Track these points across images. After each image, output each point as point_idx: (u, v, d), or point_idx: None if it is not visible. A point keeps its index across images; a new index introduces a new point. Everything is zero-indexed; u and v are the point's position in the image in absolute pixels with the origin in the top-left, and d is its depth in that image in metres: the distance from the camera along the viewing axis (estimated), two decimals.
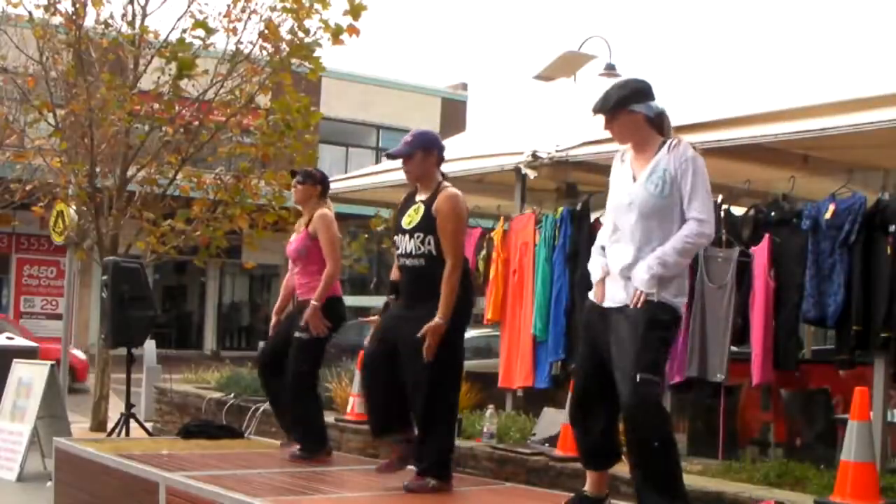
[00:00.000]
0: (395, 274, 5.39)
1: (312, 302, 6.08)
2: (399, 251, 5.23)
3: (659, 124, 4.43)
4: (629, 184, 4.42)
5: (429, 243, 5.10)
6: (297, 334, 6.18)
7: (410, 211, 5.24)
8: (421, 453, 5.18)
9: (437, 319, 4.97)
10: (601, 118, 4.55)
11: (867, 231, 6.23)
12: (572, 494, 4.80)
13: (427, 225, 5.12)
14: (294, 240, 6.41)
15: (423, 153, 5.23)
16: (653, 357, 4.24)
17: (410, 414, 5.25)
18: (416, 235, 5.13)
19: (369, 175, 10.77)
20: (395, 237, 5.29)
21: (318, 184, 6.45)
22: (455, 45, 63.89)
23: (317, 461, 6.15)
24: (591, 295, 4.55)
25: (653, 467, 4.28)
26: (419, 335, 4.94)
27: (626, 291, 4.34)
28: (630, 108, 4.40)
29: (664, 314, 4.30)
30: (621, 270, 4.38)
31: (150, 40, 11.48)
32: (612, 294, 4.43)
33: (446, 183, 5.23)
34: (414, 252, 5.14)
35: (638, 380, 4.17)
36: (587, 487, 4.64)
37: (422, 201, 5.22)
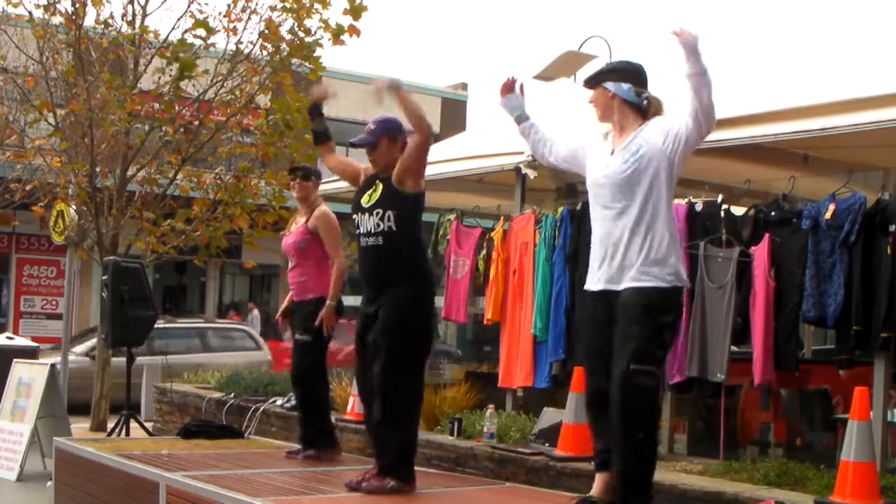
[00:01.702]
0: None
1: (329, 302, 6.09)
2: (359, 231, 5.12)
3: (642, 110, 4.44)
4: (607, 156, 4.47)
5: (388, 219, 4.99)
6: (297, 336, 6.19)
7: (370, 190, 5.14)
8: (380, 449, 5.04)
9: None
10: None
11: (867, 231, 6.23)
12: (576, 496, 4.77)
13: (386, 201, 5.02)
14: (291, 234, 6.43)
15: (388, 141, 5.11)
16: (644, 345, 4.22)
17: None
18: (375, 212, 5.03)
19: None
20: (354, 216, 5.17)
21: (318, 179, 6.57)
22: (455, 45, 63.91)
23: (326, 460, 6.17)
24: (588, 283, 4.54)
25: (630, 458, 4.28)
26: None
27: (620, 272, 4.35)
28: (602, 85, 4.49)
29: (660, 299, 4.28)
30: (615, 247, 4.38)
31: (150, 40, 11.49)
32: (608, 276, 4.42)
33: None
34: (373, 230, 5.03)
35: (630, 369, 4.16)
36: (594, 491, 4.60)
37: (380, 180, 5.12)
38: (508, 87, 4.90)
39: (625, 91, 4.44)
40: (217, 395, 10.07)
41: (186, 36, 10.90)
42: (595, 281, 4.49)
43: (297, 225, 6.43)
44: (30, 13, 11.33)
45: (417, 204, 5.12)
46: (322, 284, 6.28)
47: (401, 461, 5.03)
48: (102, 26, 11.33)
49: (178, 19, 11.27)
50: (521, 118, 4.89)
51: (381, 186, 5.09)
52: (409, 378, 5.02)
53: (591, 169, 4.55)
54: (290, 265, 6.42)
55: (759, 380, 6.70)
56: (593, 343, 4.51)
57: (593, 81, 4.55)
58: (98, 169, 11.18)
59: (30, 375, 8.76)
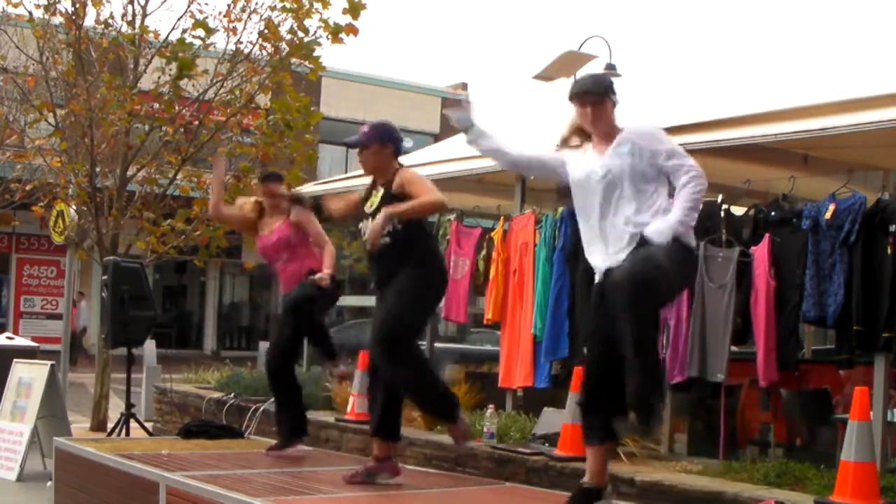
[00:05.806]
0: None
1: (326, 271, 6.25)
2: (365, 236, 5.30)
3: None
4: (598, 160, 4.58)
5: (393, 220, 5.12)
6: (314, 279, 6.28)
7: (371, 197, 5.35)
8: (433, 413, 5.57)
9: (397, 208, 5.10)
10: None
11: (867, 231, 6.23)
12: (570, 494, 4.77)
13: (387, 203, 5.16)
14: (273, 233, 6.45)
15: (378, 145, 5.31)
16: (653, 254, 4.35)
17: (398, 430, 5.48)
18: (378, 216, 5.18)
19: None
20: (361, 224, 5.36)
21: (282, 182, 6.71)
22: (455, 45, 63.91)
23: (291, 449, 6.34)
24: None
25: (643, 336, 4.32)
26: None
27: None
28: (612, 97, 4.66)
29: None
30: (616, 246, 4.48)
31: (150, 40, 11.48)
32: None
33: (404, 167, 5.37)
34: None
35: (638, 267, 4.30)
36: (587, 478, 4.62)
37: (382, 185, 5.33)
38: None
39: (617, 98, 4.69)
40: (217, 395, 10.08)
41: (185, 36, 10.89)
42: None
43: (272, 227, 6.47)
44: (30, 13, 11.31)
45: None
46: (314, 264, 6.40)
47: (443, 404, 5.38)
48: (102, 26, 11.31)
49: (178, 19, 11.27)
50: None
51: (381, 192, 5.29)
52: (411, 353, 5.21)
53: (582, 181, 4.69)
54: (281, 260, 6.46)
55: (763, 381, 6.69)
56: (605, 332, 4.56)
57: (604, 95, 4.66)
58: (98, 169, 11.17)
59: (30, 375, 8.77)
